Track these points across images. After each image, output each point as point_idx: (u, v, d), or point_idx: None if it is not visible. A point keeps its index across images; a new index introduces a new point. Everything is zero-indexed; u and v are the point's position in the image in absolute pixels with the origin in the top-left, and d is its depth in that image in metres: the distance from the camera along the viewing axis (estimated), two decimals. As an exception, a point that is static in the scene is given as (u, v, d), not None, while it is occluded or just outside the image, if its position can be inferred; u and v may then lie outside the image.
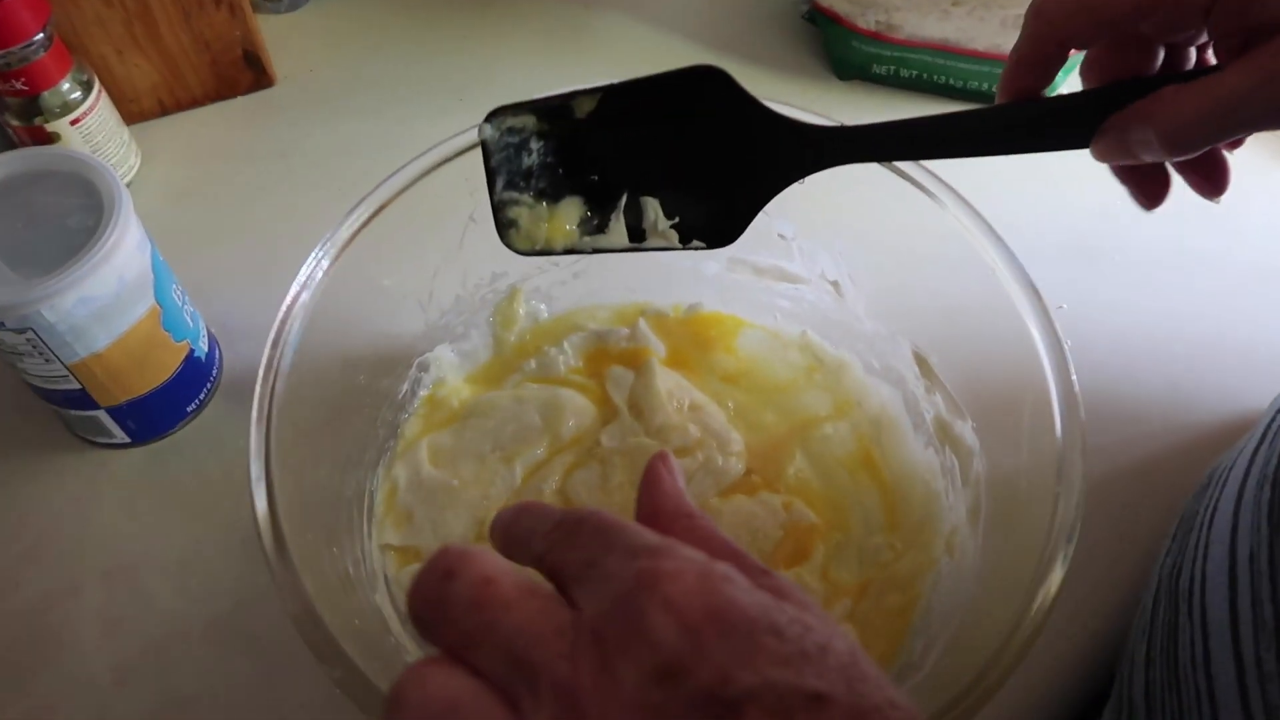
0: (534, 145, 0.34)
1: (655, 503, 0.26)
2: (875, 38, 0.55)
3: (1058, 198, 0.52)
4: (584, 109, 0.34)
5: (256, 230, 0.51)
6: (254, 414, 0.30)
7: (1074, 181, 0.53)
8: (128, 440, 0.43)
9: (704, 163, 0.33)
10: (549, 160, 0.35)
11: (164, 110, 0.54)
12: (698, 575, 0.19)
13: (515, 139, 0.35)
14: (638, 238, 0.34)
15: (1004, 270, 0.35)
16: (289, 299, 0.33)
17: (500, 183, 0.35)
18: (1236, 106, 0.26)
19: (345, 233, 0.35)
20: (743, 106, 0.32)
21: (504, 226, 0.34)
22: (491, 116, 0.34)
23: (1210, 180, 0.30)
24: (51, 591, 0.40)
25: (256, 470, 0.29)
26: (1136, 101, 0.27)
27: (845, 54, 0.57)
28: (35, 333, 0.36)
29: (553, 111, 0.34)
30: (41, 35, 0.44)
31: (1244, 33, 0.26)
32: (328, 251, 0.35)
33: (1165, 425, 0.45)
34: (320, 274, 0.34)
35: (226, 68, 0.54)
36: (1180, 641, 0.33)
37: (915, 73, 0.56)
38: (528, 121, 0.34)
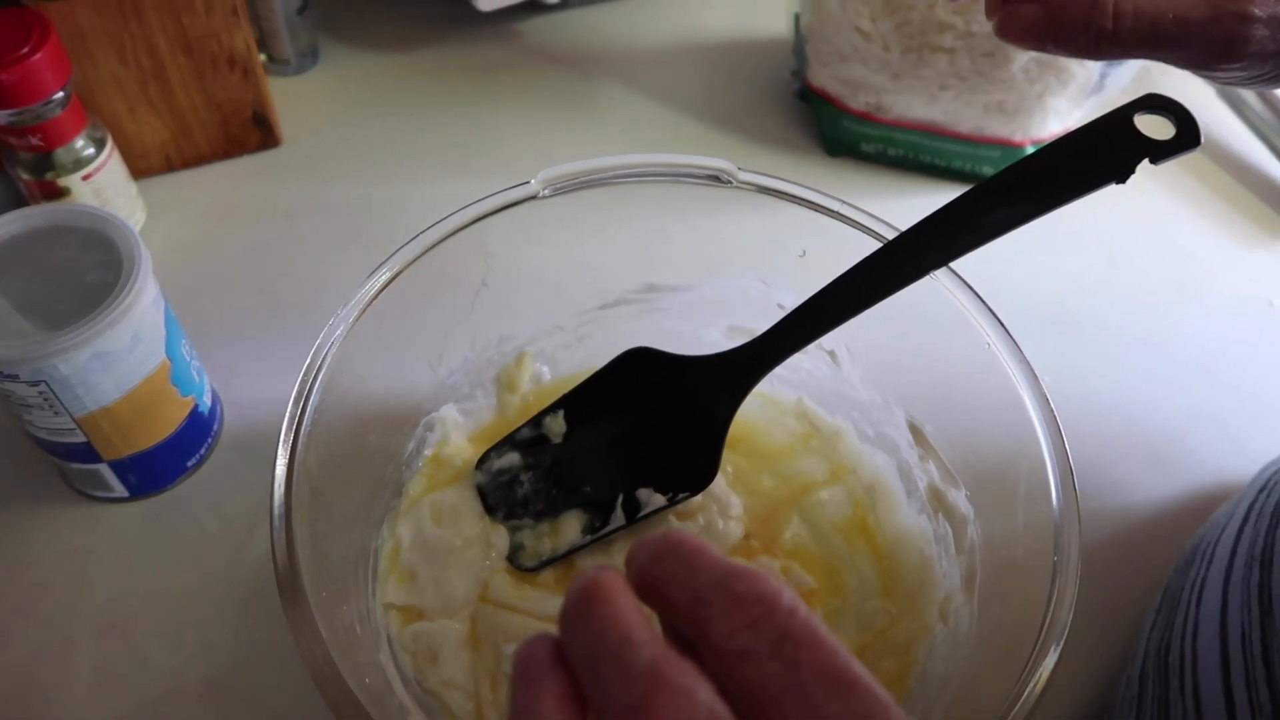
0: (523, 478, 0.40)
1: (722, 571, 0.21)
2: (865, 118, 0.57)
3: (1037, 270, 0.54)
4: (556, 431, 0.40)
5: (260, 287, 0.52)
6: (278, 472, 0.31)
7: (1053, 255, 0.55)
8: (126, 494, 0.43)
9: (670, 429, 0.39)
10: (540, 486, 0.40)
11: (171, 167, 0.55)
12: None
13: (505, 477, 0.40)
14: (633, 511, 0.39)
15: (997, 342, 0.36)
16: (312, 359, 0.34)
17: (500, 516, 0.40)
18: (1178, 27, 0.28)
19: (365, 294, 0.36)
20: (673, 364, 0.38)
21: (512, 549, 0.39)
22: (480, 463, 0.40)
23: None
24: (44, 648, 0.40)
25: (279, 525, 0.29)
26: None
27: (836, 132, 0.59)
28: (48, 385, 0.36)
29: (532, 443, 0.40)
30: (61, 94, 0.45)
31: None
32: (348, 313, 0.35)
33: (1146, 496, 0.47)
34: (339, 334, 0.35)
35: (236, 127, 0.55)
36: (1173, 718, 0.34)
37: (902, 151, 0.58)
38: (512, 460, 0.40)
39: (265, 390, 0.48)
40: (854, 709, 0.18)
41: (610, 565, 0.20)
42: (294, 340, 0.48)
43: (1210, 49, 0.29)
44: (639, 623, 0.18)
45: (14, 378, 0.36)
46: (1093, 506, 0.46)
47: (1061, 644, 0.29)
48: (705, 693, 0.17)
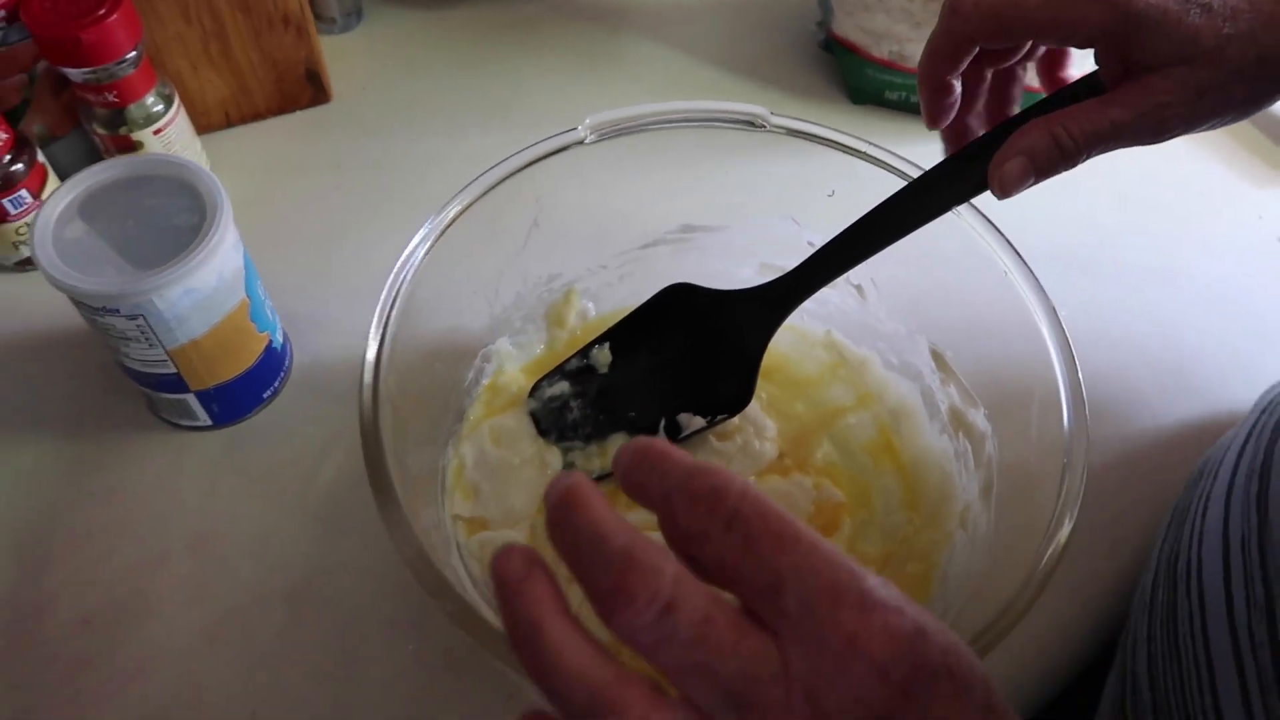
0: (573, 404, 0.44)
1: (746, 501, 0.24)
2: (888, 66, 0.60)
3: (1052, 209, 0.57)
4: (603, 362, 0.43)
5: (316, 235, 0.55)
6: (365, 388, 0.34)
7: (1068, 194, 0.58)
8: (209, 424, 0.47)
9: (707, 358, 0.42)
10: (588, 412, 0.44)
11: (230, 122, 0.58)
12: (902, 637, 0.21)
13: (556, 404, 0.44)
14: (675, 433, 0.43)
15: (1016, 274, 0.39)
16: (387, 292, 0.37)
17: (553, 438, 0.44)
18: (1116, 131, 0.32)
19: (431, 233, 0.39)
20: (711, 298, 0.41)
21: (564, 467, 0.43)
22: (533, 391, 0.44)
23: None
24: (142, 561, 0.44)
25: (369, 429, 0.33)
26: (1034, 121, 0.34)
27: (860, 81, 0.61)
28: (145, 319, 0.40)
29: (580, 372, 0.43)
30: (133, 53, 0.49)
31: (1123, 64, 0.32)
32: (415, 251, 0.39)
33: (1155, 422, 0.50)
34: (409, 271, 0.38)
35: (289, 84, 0.58)
36: (1179, 618, 0.37)
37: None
38: (563, 388, 0.44)
39: (327, 331, 0.51)
40: (798, 559, 0.21)
41: (579, 472, 0.23)
42: (350, 286, 0.52)
43: (1146, 140, 0.33)
44: (610, 518, 0.22)
45: (115, 312, 0.39)
46: (1105, 431, 0.49)
47: (1071, 525, 0.32)
48: (672, 566, 0.21)
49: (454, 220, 0.39)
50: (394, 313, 0.37)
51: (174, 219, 0.41)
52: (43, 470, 0.46)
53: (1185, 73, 0.32)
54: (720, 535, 0.22)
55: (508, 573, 0.22)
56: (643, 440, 0.24)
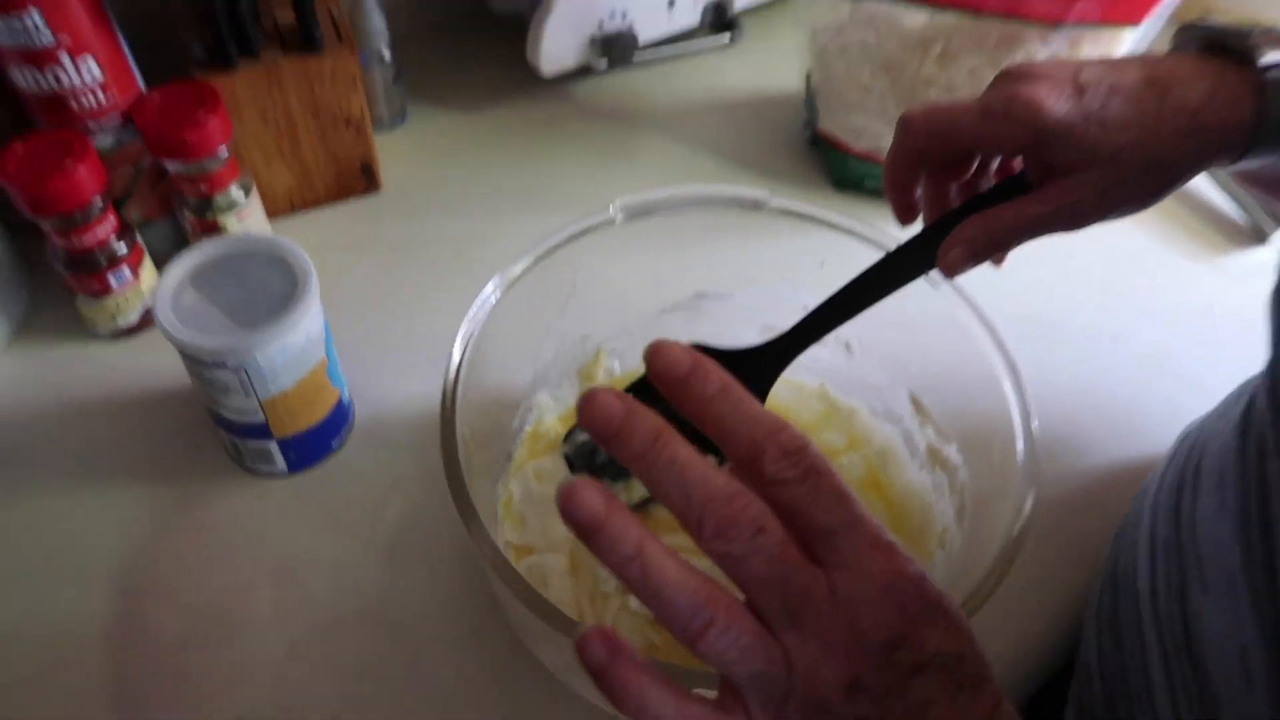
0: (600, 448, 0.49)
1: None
2: (867, 158, 0.69)
3: (1011, 279, 0.65)
4: None
5: (371, 306, 0.62)
6: (445, 424, 0.41)
7: (1024, 264, 0.66)
8: (285, 470, 0.54)
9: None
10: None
11: (293, 208, 0.67)
12: (914, 579, 0.28)
13: (587, 448, 0.49)
14: None
15: (982, 333, 0.47)
16: (458, 348, 0.44)
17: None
18: (1042, 221, 0.41)
19: (486, 302, 0.47)
20: (719, 355, 0.45)
21: None
22: (567, 437, 0.49)
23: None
24: (231, 588, 0.50)
25: (451, 462, 0.40)
26: (971, 217, 0.42)
27: (843, 171, 0.70)
28: (246, 372, 0.47)
29: None
30: (224, 150, 0.57)
31: (1044, 168, 0.41)
32: (477, 316, 0.46)
33: (1105, 458, 0.57)
34: (475, 332, 0.46)
35: (347, 176, 0.67)
36: (1120, 614, 0.44)
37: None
38: (586, 435, 0.48)
39: (383, 390, 0.58)
40: (850, 514, 0.28)
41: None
42: (402, 351, 0.60)
43: (1064, 229, 0.42)
44: (706, 464, 0.28)
45: (222, 365, 0.47)
46: (1061, 465, 0.56)
47: (1032, 505, 0.39)
48: (759, 501, 0.28)
49: (512, 284, 0.47)
50: (464, 366, 0.44)
51: (270, 287, 0.48)
52: (141, 512, 0.52)
53: (1091, 175, 0.40)
54: (797, 484, 0.28)
55: (592, 509, 0.28)
56: (715, 370, 0.30)
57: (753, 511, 0.28)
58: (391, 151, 0.71)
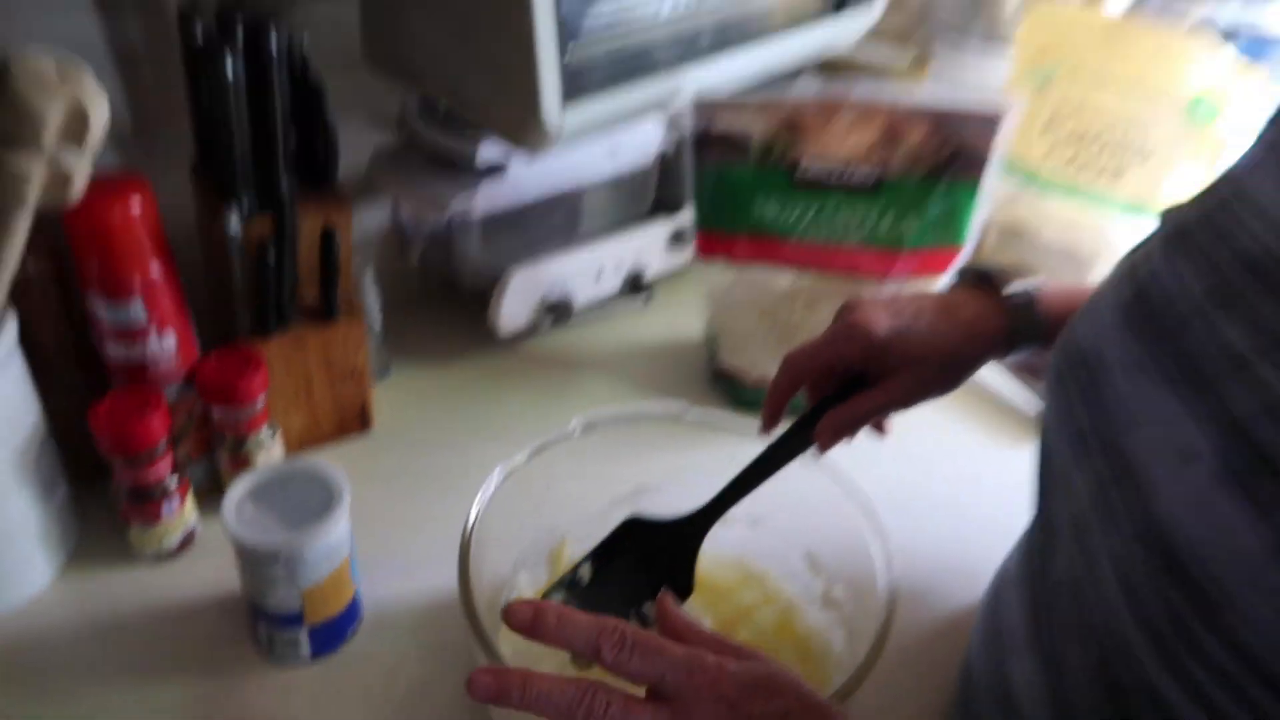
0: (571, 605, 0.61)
1: (673, 622, 0.49)
2: (758, 385, 0.88)
3: (882, 457, 0.83)
4: (586, 575, 0.62)
5: (370, 521, 0.76)
6: (462, 592, 0.55)
7: (879, 462, 0.85)
8: (309, 655, 0.65)
9: (658, 565, 0.61)
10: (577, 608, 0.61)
11: (302, 446, 0.81)
12: (726, 676, 0.43)
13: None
14: (644, 622, 0.60)
15: (857, 506, 0.64)
16: (463, 543, 0.59)
17: None
18: (881, 407, 0.59)
19: (479, 504, 0.62)
20: (655, 525, 0.62)
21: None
22: (547, 595, 0.62)
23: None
24: (266, 753, 0.60)
25: (473, 618, 0.53)
26: (833, 409, 0.60)
27: (740, 397, 0.90)
28: (293, 565, 0.60)
29: (572, 585, 0.61)
30: (262, 400, 0.73)
31: (880, 369, 0.60)
32: (474, 519, 0.61)
33: (949, 592, 0.73)
34: (474, 528, 0.60)
35: (347, 418, 0.82)
36: (972, 686, 0.58)
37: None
38: (560, 596, 0.61)
39: (385, 587, 0.71)
40: (665, 660, 0.43)
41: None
42: (398, 556, 0.73)
43: (900, 409, 0.62)
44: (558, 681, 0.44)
45: (275, 559, 0.60)
46: (921, 593, 0.72)
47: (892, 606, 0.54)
48: (604, 688, 0.43)
49: (509, 475, 0.62)
50: (471, 558, 0.58)
51: (308, 499, 0.63)
52: (177, 707, 0.62)
53: (909, 373, 0.60)
54: (627, 656, 0.43)
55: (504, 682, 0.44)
56: (551, 609, 0.46)
57: (601, 695, 0.43)
58: (379, 399, 0.88)
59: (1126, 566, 0.41)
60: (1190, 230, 0.46)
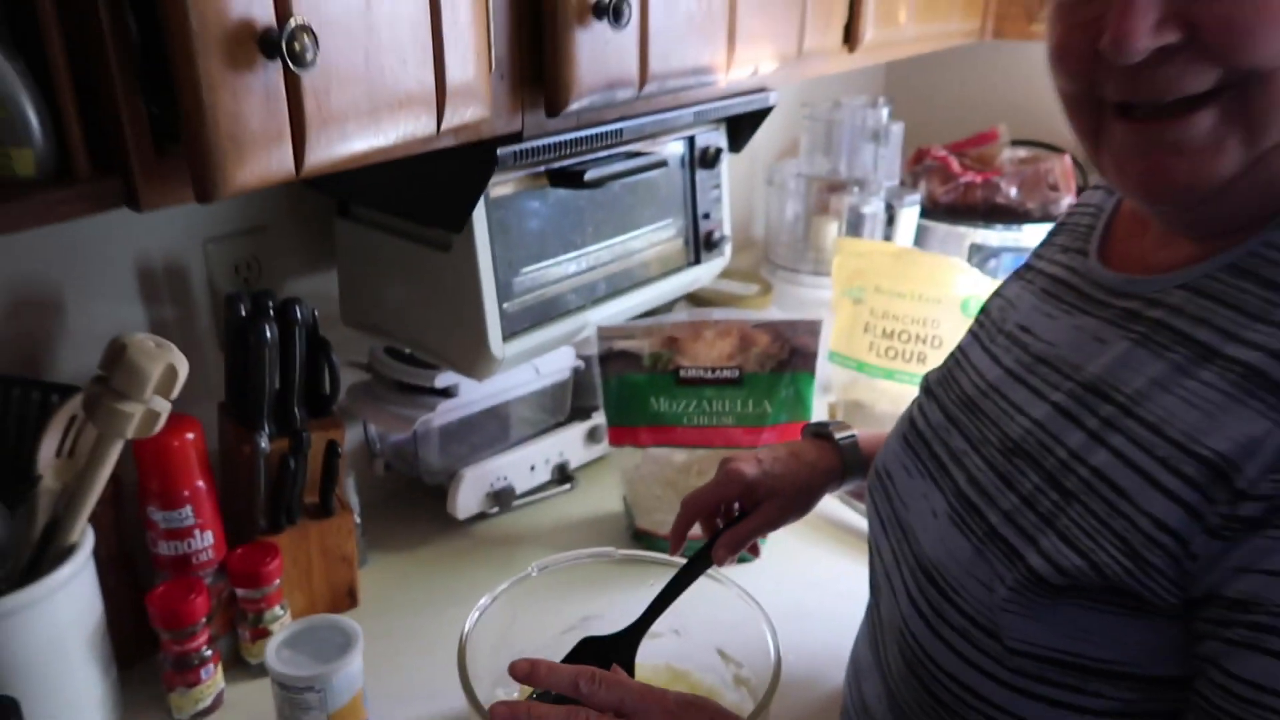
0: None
1: (625, 679, 0.72)
2: (667, 538, 1.11)
3: (760, 581, 1.06)
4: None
5: (370, 674, 0.94)
6: (469, 700, 0.74)
7: (761, 576, 1.07)
8: (330, 774, 0.81)
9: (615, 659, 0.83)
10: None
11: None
12: (670, 698, 0.64)
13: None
14: None
15: (750, 605, 0.86)
16: (460, 674, 0.79)
17: None
18: (758, 528, 0.84)
19: (469, 624, 0.82)
20: (601, 639, 0.84)
21: None
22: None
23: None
24: None
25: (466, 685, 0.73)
26: (721, 535, 0.85)
27: (655, 546, 1.12)
28: (325, 691, 0.78)
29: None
30: (279, 581, 0.92)
31: (753, 499, 0.86)
32: (469, 627, 0.81)
33: (834, 669, 0.94)
34: (465, 636, 0.80)
35: (339, 597, 1.01)
36: (845, 707, 0.79)
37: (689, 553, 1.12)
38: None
39: (394, 710, 0.88)
40: (623, 691, 0.64)
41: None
42: (387, 692, 0.91)
43: (771, 530, 0.87)
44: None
45: (310, 688, 0.78)
46: (804, 673, 0.93)
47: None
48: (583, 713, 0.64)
49: (482, 613, 0.83)
50: (470, 679, 0.78)
51: (330, 642, 0.82)
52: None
53: (774, 503, 0.85)
54: (597, 689, 0.64)
55: None
56: (544, 663, 0.68)
57: (583, 713, 0.63)
58: (363, 581, 1.07)
59: (909, 589, 0.65)
60: (934, 384, 0.75)
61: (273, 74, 0.56)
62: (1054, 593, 0.53)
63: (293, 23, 0.55)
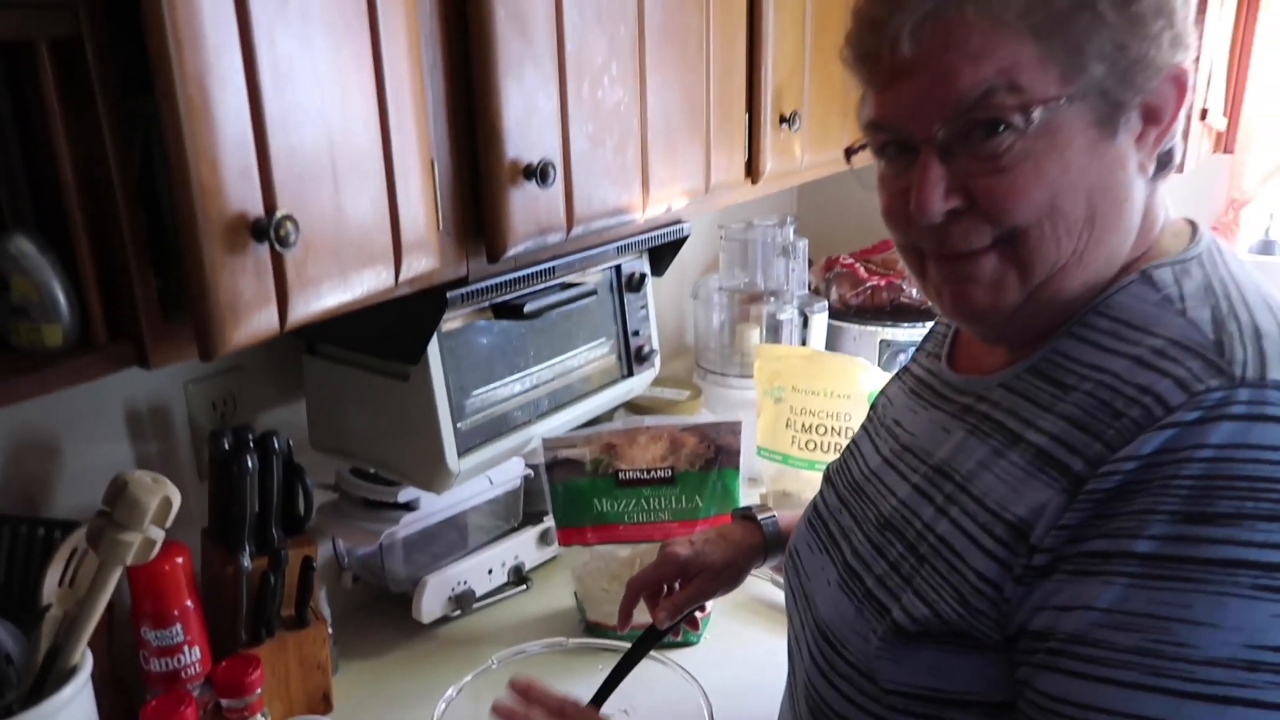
0: None
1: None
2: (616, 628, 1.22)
3: (697, 661, 1.16)
4: None
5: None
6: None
7: (698, 659, 1.18)
8: None
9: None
10: None
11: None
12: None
13: None
14: None
15: (690, 683, 0.97)
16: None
17: None
18: (692, 598, 0.97)
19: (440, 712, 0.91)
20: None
21: None
22: None
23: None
24: None
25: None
26: (664, 599, 0.97)
27: (605, 635, 1.23)
28: (310, 785, 0.87)
29: None
30: (260, 690, 1.00)
31: (688, 575, 0.98)
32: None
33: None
34: (433, 728, 0.89)
35: (314, 702, 1.09)
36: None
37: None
38: None
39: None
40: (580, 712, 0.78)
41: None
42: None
43: (706, 600, 1.00)
44: None
45: (297, 783, 0.86)
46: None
47: None
48: None
49: (444, 711, 0.92)
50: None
51: (314, 741, 0.90)
52: None
53: (704, 576, 0.97)
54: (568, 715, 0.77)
55: None
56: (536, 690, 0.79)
57: None
58: (336, 687, 1.15)
59: (811, 649, 0.77)
60: (833, 473, 0.88)
61: (262, 253, 0.70)
62: (911, 639, 0.65)
63: (278, 214, 0.69)
